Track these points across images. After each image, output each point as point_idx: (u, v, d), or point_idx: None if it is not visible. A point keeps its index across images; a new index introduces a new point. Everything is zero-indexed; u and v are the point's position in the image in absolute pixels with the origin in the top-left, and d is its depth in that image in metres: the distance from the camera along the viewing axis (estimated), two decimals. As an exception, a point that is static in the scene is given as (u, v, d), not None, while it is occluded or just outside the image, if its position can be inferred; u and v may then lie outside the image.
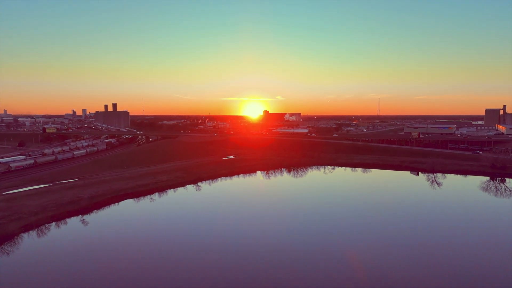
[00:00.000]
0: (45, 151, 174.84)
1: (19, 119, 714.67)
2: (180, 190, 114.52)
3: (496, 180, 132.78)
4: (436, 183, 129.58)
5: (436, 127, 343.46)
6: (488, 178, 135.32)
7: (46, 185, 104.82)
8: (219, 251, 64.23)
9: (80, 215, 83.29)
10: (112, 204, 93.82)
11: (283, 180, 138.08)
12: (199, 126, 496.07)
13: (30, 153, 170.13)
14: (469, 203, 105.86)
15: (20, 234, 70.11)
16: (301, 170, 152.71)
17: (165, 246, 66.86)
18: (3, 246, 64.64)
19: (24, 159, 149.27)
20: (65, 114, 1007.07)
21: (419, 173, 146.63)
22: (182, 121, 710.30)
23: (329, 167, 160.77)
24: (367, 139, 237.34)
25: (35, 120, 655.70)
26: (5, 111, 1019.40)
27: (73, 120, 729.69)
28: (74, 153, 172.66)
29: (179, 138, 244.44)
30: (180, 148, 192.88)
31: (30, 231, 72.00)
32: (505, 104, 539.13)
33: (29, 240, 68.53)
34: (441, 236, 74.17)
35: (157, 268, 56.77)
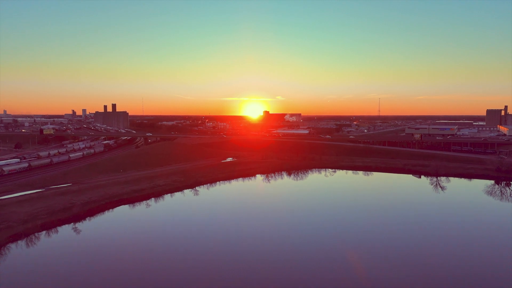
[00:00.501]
0: (41, 153, 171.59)
1: (19, 119, 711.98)
2: (177, 195, 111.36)
3: (501, 184, 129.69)
4: (440, 187, 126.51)
5: (438, 128, 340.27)
6: (493, 182, 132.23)
7: (38, 191, 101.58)
8: (218, 260, 61.66)
9: (72, 223, 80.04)
10: (106, 211, 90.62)
11: (284, 184, 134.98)
12: (198, 127, 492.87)
13: (25, 155, 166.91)
14: (474, 208, 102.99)
15: (8, 245, 66.89)
16: (302, 173, 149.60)
17: (161, 255, 63.76)
18: (-12, 258, 61.51)
19: (18, 162, 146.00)
20: (65, 114, 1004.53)
21: (423, 176, 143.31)
22: (182, 121, 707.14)
23: (330, 170, 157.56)
24: (368, 140, 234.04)
25: (34, 120, 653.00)
26: (4, 111, 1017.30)
27: (72, 121, 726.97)
28: (70, 155, 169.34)
29: (178, 139, 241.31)
30: (178, 150, 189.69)
31: (19, 241, 68.79)
32: (506, 105, 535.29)
33: (17, 251, 65.29)
34: (445, 241, 72.96)
35: (152, 278, 53.72)
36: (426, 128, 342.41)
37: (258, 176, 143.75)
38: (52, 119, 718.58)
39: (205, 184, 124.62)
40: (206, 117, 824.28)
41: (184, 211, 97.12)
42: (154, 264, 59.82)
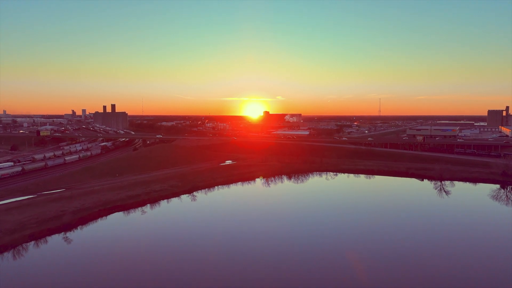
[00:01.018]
0: (36, 156, 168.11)
1: (18, 119, 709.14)
2: (174, 201, 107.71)
3: (507, 189, 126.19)
4: (444, 191, 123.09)
5: (440, 129, 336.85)
6: (498, 186, 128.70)
7: (30, 197, 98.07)
8: (216, 269, 59.20)
9: (62, 232, 76.42)
10: (99, 219, 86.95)
11: (284, 188, 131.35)
12: (198, 128, 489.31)
13: (19, 158, 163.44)
14: (479, 213, 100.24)
15: (-8, 257, 63.37)
16: (302, 177, 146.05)
17: (155, 267, 60.18)
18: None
19: (11, 166, 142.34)
20: (65, 114, 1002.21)
21: (427, 180, 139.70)
22: (182, 122, 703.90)
23: (331, 173, 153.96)
24: (370, 142, 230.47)
25: (34, 121, 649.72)
26: (4, 111, 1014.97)
27: (72, 121, 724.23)
28: (66, 158, 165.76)
29: (176, 141, 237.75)
30: (176, 153, 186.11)
31: (4, 253, 65.25)
32: (507, 105, 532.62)
33: (1, 264, 61.75)
34: (450, 246, 72.27)
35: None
36: (427, 129, 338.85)
37: (258, 180, 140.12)
38: (52, 120, 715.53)
39: (203, 189, 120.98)
40: (206, 118, 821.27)
41: (180, 218, 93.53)
42: (147, 276, 56.47)
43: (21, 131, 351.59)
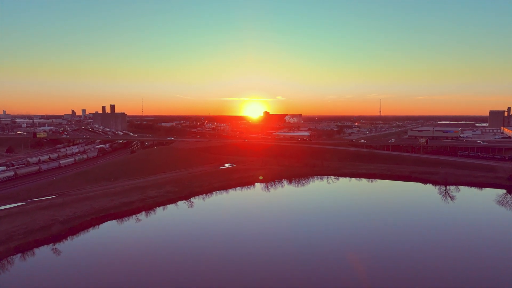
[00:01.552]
0: (30, 159, 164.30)
1: (17, 120, 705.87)
2: (170, 208, 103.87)
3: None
4: (449, 196, 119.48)
5: (441, 131, 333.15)
6: (505, 191, 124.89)
7: (20, 204, 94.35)
8: (215, 281, 56.70)
9: (51, 244, 72.65)
10: (90, 228, 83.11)
11: (284, 194, 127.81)
12: (197, 129, 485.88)
13: (13, 162, 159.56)
14: (486, 219, 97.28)
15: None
16: (303, 181, 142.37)
17: (150, 278, 56.78)
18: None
19: (3, 170, 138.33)
20: (64, 114, 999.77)
21: (430, 185, 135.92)
22: (182, 122, 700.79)
23: (333, 177, 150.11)
24: (372, 144, 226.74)
25: (33, 121, 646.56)
26: (4, 111, 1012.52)
27: (71, 121, 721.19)
28: (61, 162, 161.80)
29: (175, 143, 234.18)
30: (174, 156, 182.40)
31: (-12, 268, 61.57)
32: (509, 106, 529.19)
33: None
34: (455, 253, 71.52)
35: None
36: (429, 130, 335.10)
37: (257, 185, 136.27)
38: (51, 120, 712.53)
39: (200, 194, 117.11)
40: (206, 118, 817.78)
41: (176, 227, 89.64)
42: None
43: (19, 132, 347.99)
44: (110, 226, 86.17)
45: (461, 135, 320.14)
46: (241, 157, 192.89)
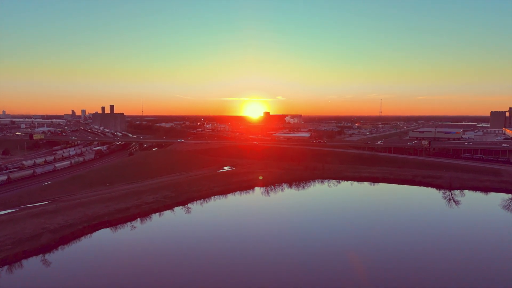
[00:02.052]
0: (25, 162, 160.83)
1: (16, 120, 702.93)
2: (167, 214, 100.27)
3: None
4: (454, 201, 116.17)
5: (443, 132, 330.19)
6: (510, 196, 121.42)
7: (10, 211, 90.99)
8: None
9: (40, 255, 69.24)
10: (82, 237, 79.64)
11: (285, 199, 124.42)
12: (197, 129, 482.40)
13: (7, 165, 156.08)
14: (492, 225, 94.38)
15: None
16: (304, 185, 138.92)
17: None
18: None
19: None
20: (64, 115, 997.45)
21: (434, 189, 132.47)
22: (182, 122, 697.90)
23: (334, 181, 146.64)
24: (373, 147, 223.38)
25: (32, 121, 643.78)
26: (3, 112, 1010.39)
27: (70, 122, 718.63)
28: (56, 165, 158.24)
29: (173, 145, 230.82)
30: (172, 158, 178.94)
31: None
32: (510, 107, 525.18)
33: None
34: (461, 259, 70.34)
35: None
36: (431, 131, 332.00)
37: (257, 189, 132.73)
38: (50, 120, 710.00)
39: (198, 199, 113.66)
40: (206, 118, 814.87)
41: (172, 235, 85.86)
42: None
43: (16, 133, 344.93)
44: (103, 235, 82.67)
45: (463, 136, 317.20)
46: (241, 159, 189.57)
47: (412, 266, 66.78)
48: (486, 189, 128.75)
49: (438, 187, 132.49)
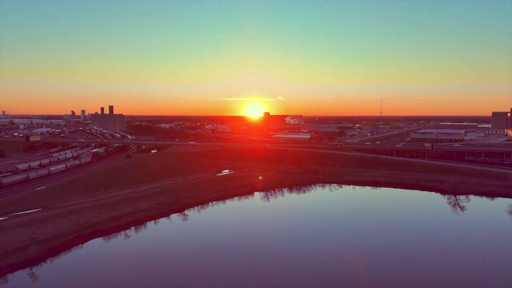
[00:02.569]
0: (20, 166, 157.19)
1: (16, 120, 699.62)
2: (162, 221, 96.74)
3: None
4: (460, 207, 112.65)
5: (445, 133, 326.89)
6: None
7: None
8: None
9: (27, 268, 65.64)
10: (73, 248, 75.96)
11: (285, 204, 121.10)
12: (197, 130, 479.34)
13: (1, 169, 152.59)
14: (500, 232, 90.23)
15: None
16: (305, 190, 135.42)
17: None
18: None
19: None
20: (64, 115, 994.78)
21: (439, 194, 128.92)
22: (182, 123, 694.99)
23: (335, 185, 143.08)
24: (375, 149, 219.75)
25: (31, 122, 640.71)
26: (3, 112, 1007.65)
27: (70, 122, 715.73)
28: (51, 169, 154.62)
29: (172, 148, 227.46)
30: (170, 162, 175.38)
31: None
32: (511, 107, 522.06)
33: None
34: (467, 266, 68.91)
35: None
36: (433, 132, 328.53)
37: (256, 194, 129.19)
38: (50, 121, 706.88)
39: (195, 206, 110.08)
40: (206, 118, 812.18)
41: (168, 243, 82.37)
42: None
43: (14, 134, 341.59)
44: (94, 246, 79.09)
45: (465, 137, 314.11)
46: (240, 162, 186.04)
47: (416, 274, 64.31)
48: (492, 194, 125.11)
49: (443, 192, 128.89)
